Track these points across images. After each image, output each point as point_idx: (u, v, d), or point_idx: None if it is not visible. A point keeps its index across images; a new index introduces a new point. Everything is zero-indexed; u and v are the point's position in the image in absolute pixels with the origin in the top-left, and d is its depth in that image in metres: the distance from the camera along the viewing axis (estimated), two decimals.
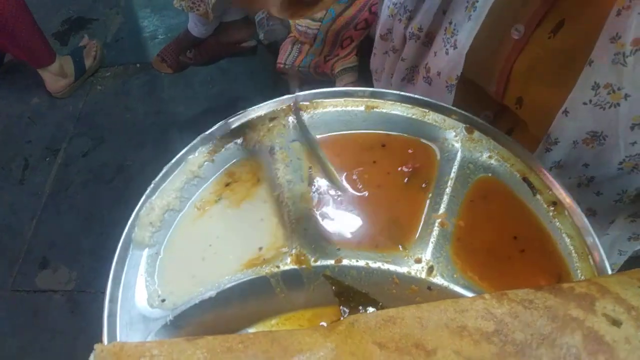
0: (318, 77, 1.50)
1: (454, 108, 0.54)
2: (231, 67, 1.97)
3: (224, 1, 1.67)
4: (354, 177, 0.51)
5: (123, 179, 1.72)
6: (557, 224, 0.48)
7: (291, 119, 0.54)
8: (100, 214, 1.63)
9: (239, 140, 0.53)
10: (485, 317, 0.39)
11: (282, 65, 1.49)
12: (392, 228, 0.48)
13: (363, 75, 1.42)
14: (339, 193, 0.50)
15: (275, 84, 1.68)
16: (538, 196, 0.49)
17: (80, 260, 1.55)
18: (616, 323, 0.37)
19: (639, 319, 0.37)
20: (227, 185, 0.50)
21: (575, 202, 0.48)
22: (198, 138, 0.52)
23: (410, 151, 0.53)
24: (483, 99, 0.63)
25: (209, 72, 1.97)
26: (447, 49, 0.60)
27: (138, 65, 2.07)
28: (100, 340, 0.41)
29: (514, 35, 0.55)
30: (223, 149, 0.52)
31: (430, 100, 0.55)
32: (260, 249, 0.46)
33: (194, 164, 0.51)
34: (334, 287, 0.46)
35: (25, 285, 1.56)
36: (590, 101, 0.50)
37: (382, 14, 0.66)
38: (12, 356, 1.43)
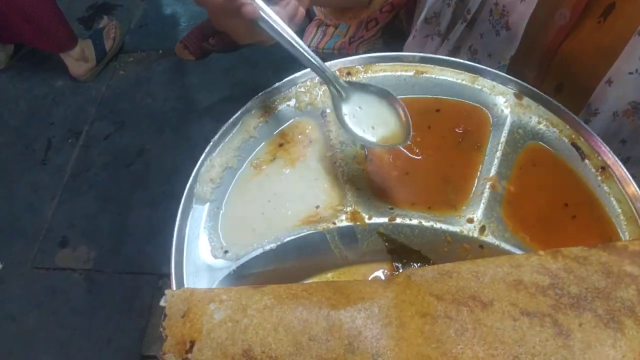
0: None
1: (503, 74, 0.54)
2: (253, 55, 1.96)
3: None
4: (417, 142, 0.52)
5: (142, 162, 1.74)
6: (606, 188, 0.49)
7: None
8: (119, 196, 1.66)
9: (292, 103, 0.54)
10: (540, 272, 0.41)
11: (307, 47, 1.49)
12: (445, 189, 0.49)
13: None
14: (395, 156, 0.51)
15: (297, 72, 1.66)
16: (586, 161, 0.50)
17: (99, 241, 1.57)
18: None
19: None
20: (281, 145, 0.51)
21: (623, 166, 0.49)
22: (253, 99, 0.53)
23: (463, 115, 0.53)
24: None
25: (231, 59, 1.96)
26: (497, 31, 0.59)
27: (160, 51, 2.07)
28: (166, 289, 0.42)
29: (559, 20, 0.55)
30: (277, 111, 0.53)
31: (478, 66, 0.55)
32: (318, 207, 0.48)
33: (250, 125, 0.52)
34: (387, 244, 0.48)
35: (45, 263, 1.59)
36: (637, 70, 0.50)
37: None
38: (30, 331, 1.47)
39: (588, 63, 0.55)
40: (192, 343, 0.39)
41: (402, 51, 0.74)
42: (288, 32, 0.43)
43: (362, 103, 0.47)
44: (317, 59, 0.45)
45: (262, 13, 0.42)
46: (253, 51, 1.96)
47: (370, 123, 0.46)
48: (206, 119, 1.72)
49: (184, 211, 0.47)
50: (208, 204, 0.48)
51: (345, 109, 0.46)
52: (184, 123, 1.74)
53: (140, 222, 1.53)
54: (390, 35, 1.31)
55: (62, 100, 1.99)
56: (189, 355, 0.39)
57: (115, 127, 1.89)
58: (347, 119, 0.46)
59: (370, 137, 0.46)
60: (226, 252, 0.46)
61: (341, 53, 1.51)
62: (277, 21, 0.43)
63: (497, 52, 0.61)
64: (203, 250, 0.46)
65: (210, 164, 0.49)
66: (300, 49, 0.44)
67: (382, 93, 0.46)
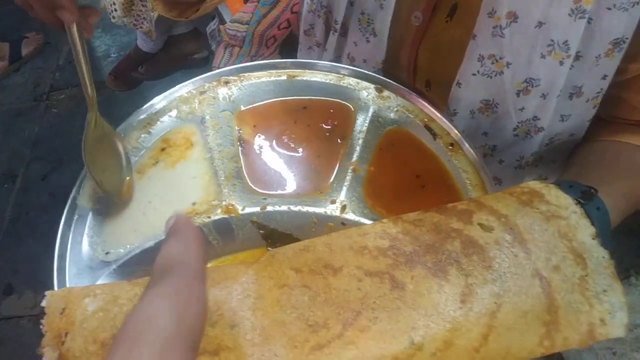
0: None
1: (366, 72, 0.60)
2: (185, 79, 2.01)
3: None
4: (284, 137, 0.57)
5: None
6: (455, 161, 0.55)
7: (220, 91, 0.60)
8: None
9: (173, 113, 0.59)
10: (382, 237, 0.45)
11: (216, 69, 1.56)
12: (312, 177, 0.54)
13: None
14: (267, 152, 0.56)
15: None
16: (438, 140, 0.56)
17: (46, 283, 1.55)
18: (488, 229, 0.44)
19: (507, 224, 0.44)
20: (163, 150, 0.55)
21: (468, 141, 0.55)
22: (134, 113, 0.58)
23: (330, 111, 0.59)
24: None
25: (163, 86, 2.00)
26: (367, 38, 0.65)
27: None
28: None
29: (414, 22, 0.62)
30: (158, 122, 0.58)
31: (344, 66, 0.61)
32: (194, 203, 0.52)
33: (132, 137, 0.56)
34: (261, 231, 0.52)
35: None
36: (478, 72, 0.56)
37: (303, 10, 0.71)
38: None
39: (444, 60, 0.61)
40: (67, 334, 0.42)
41: None
42: (80, 50, 0.49)
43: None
44: (89, 82, 0.52)
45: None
46: (183, 76, 2.01)
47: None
48: None
49: (66, 219, 0.50)
50: (90, 212, 0.52)
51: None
52: None
53: None
54: (288, 50, 1.39)
55: None
56: (62, 347, 0.42)
57: (52, 166, 1.88)
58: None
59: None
60: (107, 253, 0.49)
61: None
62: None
63: (370, 58, 0.67)
64: (85, 253, 0.49)
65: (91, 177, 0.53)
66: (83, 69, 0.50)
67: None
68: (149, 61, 2.00)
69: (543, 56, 0.52)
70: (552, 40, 0.51)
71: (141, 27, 1.60)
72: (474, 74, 0.57)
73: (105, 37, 2.28)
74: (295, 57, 0.84)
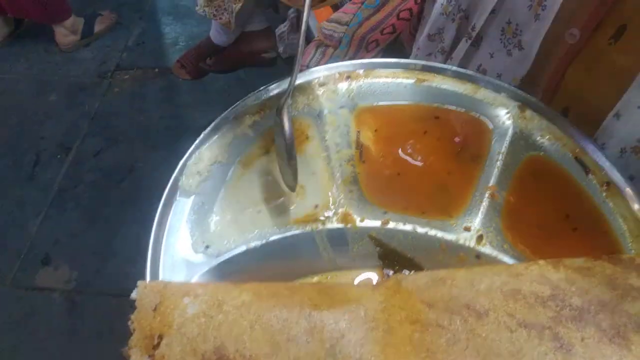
0: None
1: (506, 85, 0.53)
2: (249, 77, 1.98)
3: (247, 11, 1.66)
4: (408, 147, 0.50)
5: (133, 180, 1.72)
6: (610, 204, 0.47)
7: (341, 85, 0.54)
8: (107, 214, 1.62)
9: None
10: (540, 282, 0.38)
11: (304, 69, 1.51)
12: (440, 196, 0.47)
13: None
14: (390, 160, 0.49)
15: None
16: (590, 176, 0.48)
17: (82, 260, 1.53)
18: None
19: None
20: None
21: (630, 183, 0.47)
22: (249, 95, 0.52)
23: (463, 124, 0.52)
24: None
25: (227, 80, 1.98)
26: (509, 50, 0.58)
27: (157, 70, 2.09)
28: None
29: (569, 39, 0.54)
30: (273, 108, 0.52)
31: (481, 76, 0.54)
32: (316, 206, 0.46)
33: (244, 121, 0.51)
34: (378, 249, 0.46)
35: (25, 282, 1.54)
36: None
37: (433, 11, 0.63)
38: (6, 352, 1.41)
39: (597, 89, 0.53)
40: (161, 338, 0.36)
41: None
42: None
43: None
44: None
45: None
46: (249, 74, 1.98)
47: None
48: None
49: (166, 203, 0.45)
50: (193, 197, 0.46)
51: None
52: (177, 141, 1.73)
53: (127, 241, 1.48)
54: (391, 56, 1.32)
55: (54, 114, 1.98)
56: (156, 352, 0.36)
57: (106, 143, 1.87)
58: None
59: None
60: (207, 247, 0.43)
61: None
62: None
63: (508, 72, 0.59)
64: (183, 243, 0.43)
65: (199, 157, 0.47)
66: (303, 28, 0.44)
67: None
68: (218, 54, 1.98)
69: None
70: None
71: (220, 18, 1.58)
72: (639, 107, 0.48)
73: (176, 25, 2.28)
74: None
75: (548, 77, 0.57)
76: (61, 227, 1.65)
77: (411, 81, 0.55)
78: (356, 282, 0.46)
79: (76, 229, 1.62)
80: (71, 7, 2.03)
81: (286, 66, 1.85)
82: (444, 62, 0.65)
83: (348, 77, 0.55)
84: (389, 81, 0.55)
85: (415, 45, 0.70)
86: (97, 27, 2.14)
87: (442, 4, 0.61)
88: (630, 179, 0.53)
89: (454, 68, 0.55)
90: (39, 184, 1.77)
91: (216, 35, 1.91)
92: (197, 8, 1.57)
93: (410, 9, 0.81)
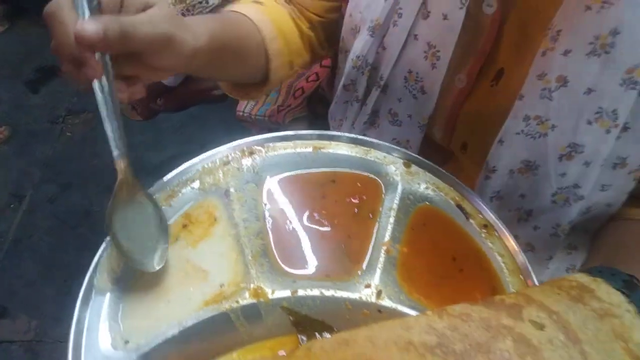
0: (273, 125, 1.56)
1: (391, 145, 0.60)
2: (201, 114, 2.01)
3: None
4: (312, 213, 0.55)
5: (89, 225, 1.70)
6: (489, 244, 0.53)
7: (244, 161, 0.58)
8: (65, 260, 1.60)
9: (196, 184, 0.56)
10: (428, 332, 0.43)
11: (241, 114, 1.55)
12: (342, 257, 0.52)
13: (312, 123, 1.49)
14: (294, 228, 0.54)
15: (244, 130, 1.72)
16: (471, 220, 0.55)
17: (41, 309, 1.50)
18: (540, 327, 0.42)
19: (559, 322, 0.42)
20: (185, 226, 0.53)
21: (502, 223, 0.54)
22: (154, 185, 0.55)
23: (358, 185, 0.57)
24: (430, 145, 0.69)
25: (179, 118, 2.00)
26: (414, 94, 0.65)
27: None
28: None
29: (458, 85, 0.62)
30: (180, 194, 0.55)
31: (369, 139, 0.60)
32: (222, 285, 0.49)
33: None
34: (291, 317, 0.49)
35: None
36: (522, 131, 0.56)
37: (346, 66, 0.70)
38: None
39: (485, 124, 0.61)
40: None
41: (327, 116, 0.79)
42: (105, 110, 0.45)
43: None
44: (118, 146, 0.47)
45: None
46: (201, 110, 2.01)
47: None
48: (154, 177, 1.70)
49: (83, 302, 0.46)
50: (109, 294, 0.48)
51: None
52: None
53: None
54: (315, 103, 1.38)
55: (5, 163, 1.92)
56: None
57: (61, 189, 1.84)
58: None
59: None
60: (127, 342, 0.45)
61: (271, 120, 1.58)
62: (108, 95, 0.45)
63: (417, 113, 0.66)
64: (103, 341, 0.45)
65: (110, 254, 0.49)
66: (110, 131, 0.46)
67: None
68: (168, 94, 2.00)
69: (590, 123, 0.51)
70: (601, 108, 0.51)
71: None
72: (517, 133, 0.56)
73: None
74: (322, 110, 0.83)
75: (446, 118, 0.64)
76: (17, 277, 1.62)
77: (309, 150, 0.60)
78: (277, 352, 0.49)
79: (33, 278, 1.60)
80: None
81: (237, 101, 1.88)
82: (360, 109, 0.71)
83: (251, 153, 0.59)
84: (290, 152, 0.60)
85: (334, 94, 0.76)
86: None
87: (352, 59, 0.67)
88: (522, 196, 0.61)
89: (346, 135, 0.60)
90: None
91: None
92: None
93: (331, 57, 0.86)
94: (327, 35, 0.76)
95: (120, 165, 0.47)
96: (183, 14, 1.62)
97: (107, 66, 0.45)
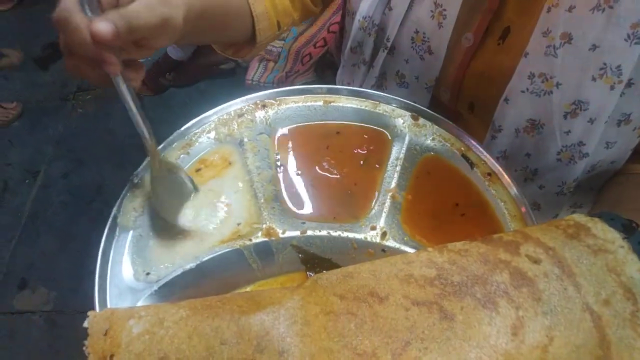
0: None
1: (401, 99, 0.61)
2: (209, 89, 2.05)
3: None
4: (321, 161, 0.57)
5: (102, 199, 1.75)
6: (492, 191, 0.55)
7: (258, 114, 0.61)
8: (79, 234, 1.66)
9: (212, 134, 0.59)
10: (428, 266, 0.45)
11: (249, 82, 1.58)
12: (349, 202, 0.54)
13: None
14: (304, 176, 0.56)
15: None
16: (475, 169, 0.57)
17: (59, 281, 1.56)
18: (537, 261, 0.44)
19: (555, 257, 0.44)
20: (198, 170, 0.56)
21: (506, 171, 0.56)
22: (174, 134, 0.58)
23: (365, 136, 0.59)
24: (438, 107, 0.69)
25: (187, 93, 2.04)
26: (421, 55, 0.65)
27: None
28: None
29: (464, 44, 0.62)
30: (197, 143, 0.58)
31: (379, 93, 0.62)
32: (239, 224, 0.52)
33: (171, 157, 0.57)
34: (300, 255, 0.52)
35: (3, 306, 1.56)
36: (527, 89, 0.56)
37: (353, 27, 0.70)
38: None
39: (492, 83, 0.61)
40: (112, 357, 0.42)
41: (334, 81, 0.81)
42: (131, 102, 0.48)
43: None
44: (147, 131, 0.51)
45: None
46: (208, 85, 2.05)
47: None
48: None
49: (107, 238, 0.50)
50: (131, 232, 0.51)
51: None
52: (142, 158, 1.75)
53: None
54: (323, 68, 1.39)
55: (18, 140, 1.99)
56: None
57: (73, 165, 1.90)
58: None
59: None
60: (148, 274, 0.49)
61: (279, 86, 1.60)
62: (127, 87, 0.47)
63: (424, 74, 0.67)
64: (126, 274, 0.49)
65: (133, 195, 0.53)
66: (138, 118, 0.50)
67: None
68: (177, 69, 2.05)
69: (594, 79, 0.52)
70: (605, 64, 0.51)
71: None
72: (522, 91, 0.57)
73: None
74: (330, 75, 0.84)
75: (452, 79, 0.65)
76: (35, 251, 1.68)
77: (319, 103, 0.62)
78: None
79: (50, 251, 1.65)
80: None
81: (245, 75, 1.91)
82: (367, 71, 0.72)
83: (264, 106, 0.62)
84: (300, 105, 0.62)
85: (342, 58, 0.77)
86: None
87: (359, 20, 0.68)
88: (527, 155, 0.62)
89: (354, 88, 0.62)
90: (9, 210, 1.78)
91: (173, 51, 1.98)
92: None
93: (339, 22, 0.87)
94: None
95: (149, 142, 0.51)
96: None
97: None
